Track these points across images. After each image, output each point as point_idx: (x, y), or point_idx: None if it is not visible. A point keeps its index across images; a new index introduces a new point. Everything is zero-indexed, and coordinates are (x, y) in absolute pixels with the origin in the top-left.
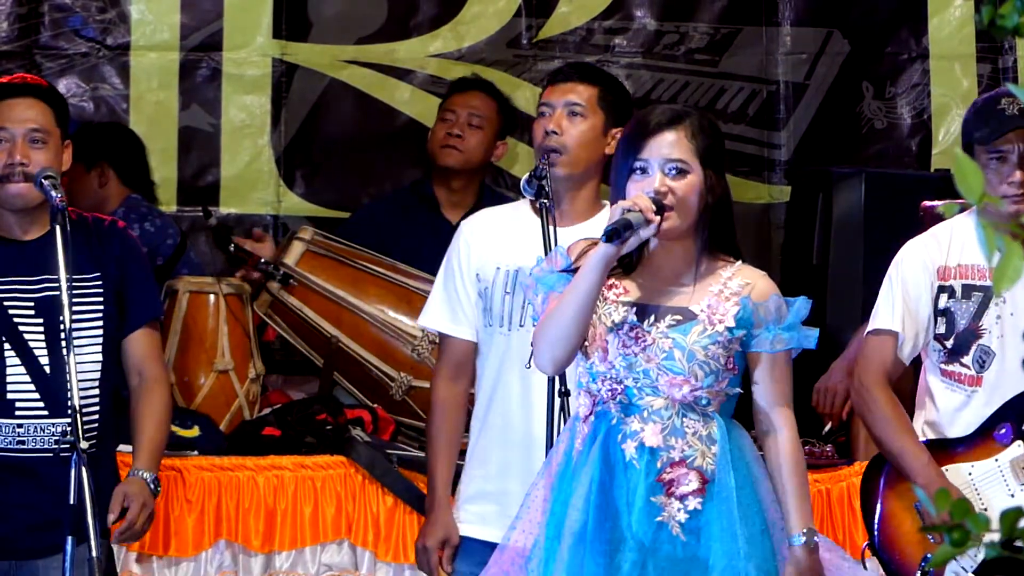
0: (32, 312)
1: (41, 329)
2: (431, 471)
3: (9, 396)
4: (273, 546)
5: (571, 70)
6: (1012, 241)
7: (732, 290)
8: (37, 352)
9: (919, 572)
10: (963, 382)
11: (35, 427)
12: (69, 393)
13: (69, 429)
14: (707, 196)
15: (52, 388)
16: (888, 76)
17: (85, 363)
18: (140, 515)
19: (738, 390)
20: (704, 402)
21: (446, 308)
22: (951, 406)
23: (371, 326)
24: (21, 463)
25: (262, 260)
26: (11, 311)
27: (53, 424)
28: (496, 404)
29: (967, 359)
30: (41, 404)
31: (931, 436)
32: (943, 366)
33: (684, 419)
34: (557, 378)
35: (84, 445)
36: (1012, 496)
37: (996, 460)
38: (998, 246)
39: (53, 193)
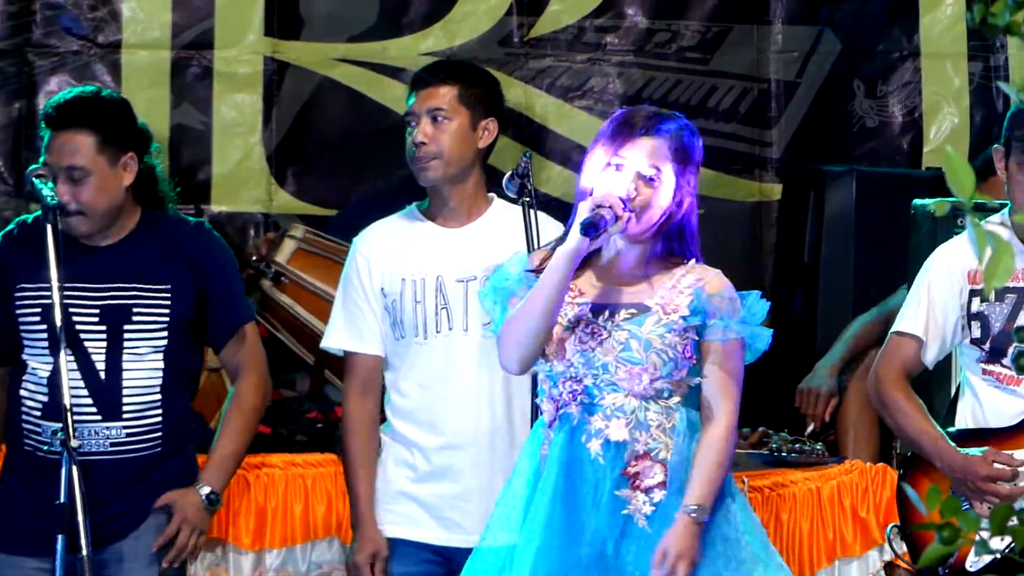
0: (96, 319)
1: (104, 336)
2: (352, 489)
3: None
4: (263, 544)
5: (427, 74)
6: (1002, 240)
7: (685, 284)
8: (95, 358)
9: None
10: (1004, 381)
11: (89, 430)
12: (62, 392)
13: (62, 427)
14: (673, 205)
15: (106, 393)
16: (880, 74)
17: (145, 370)
18: (182, 531)
19: (699, 379)
20: (666, 394)
21: (349, 326)
22: (994, 401)
23: None
24: (78, 465)
25: (254, 258)
26: (75, 318)
27: (108, 427)
28: (422, 410)
29: (1007, 360)
30: (94, 409)
31: (972, 425)
32: (984, 365)
33: (647, 412)
34: (530, 381)
35: (75, 444)
36: None
37: None
38: (989, 245)
39: (44, 192)
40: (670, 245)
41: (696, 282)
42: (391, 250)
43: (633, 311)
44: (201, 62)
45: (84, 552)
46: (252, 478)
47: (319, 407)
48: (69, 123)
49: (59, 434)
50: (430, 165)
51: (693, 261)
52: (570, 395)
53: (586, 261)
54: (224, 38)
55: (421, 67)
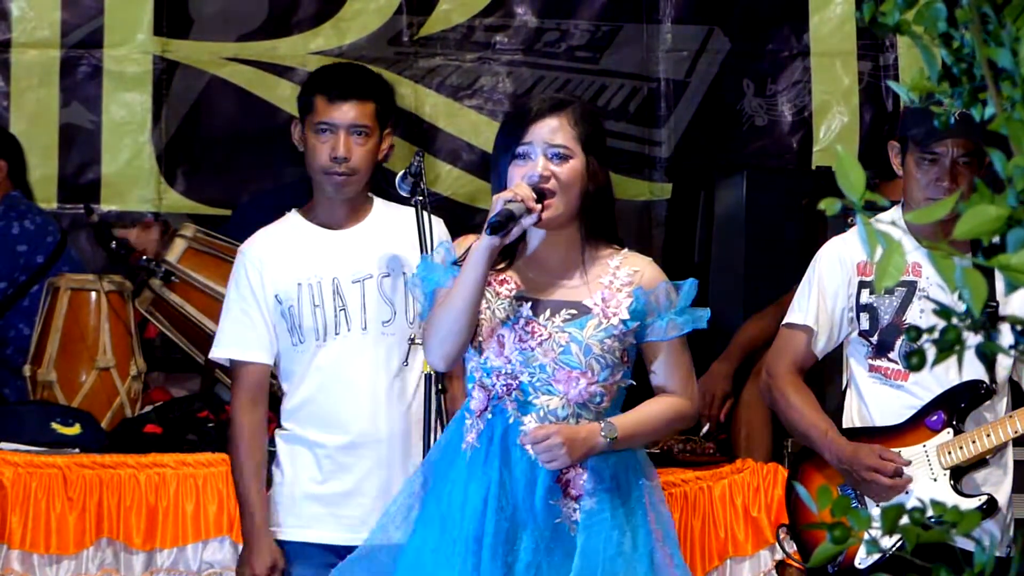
0: None
1: None
2: (245, 499)
3: None
4: (155, 544)
5: (351, 87)
6: (893, 239)
7: (622, 280)
8: None
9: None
10: (890, 377)
11: None
12: None
13: None
14: (589, 183)
15: None
16: (769, 73)
17: None
18: None
19: (630, 382)
20: (598, 399)
21: (237, 336)
22: (879, 399)
23: None
24: None
25: (144, 257)
26: None
27: None
28: (323, 411)
29: (893, 354)
30: None
31: (859, 424)
32: (870, 361)
33: (579, 419)
34: (434, 376)
35: None
36: (935, 480)
37: (924, 446)
38: (879, 244)
39: None
40: (594, 227)
41: (632, 276)
42: (282, 256)
43: (574, 312)
44: (91, 61)
45: None
46: (143, 477)
47: (210, 407)
48: None
49: None
50: (350, 182)
51: (625, 250)
52: (504, 388)
53: (514, 251)
54: (113, 37)
55: (338, 75)
